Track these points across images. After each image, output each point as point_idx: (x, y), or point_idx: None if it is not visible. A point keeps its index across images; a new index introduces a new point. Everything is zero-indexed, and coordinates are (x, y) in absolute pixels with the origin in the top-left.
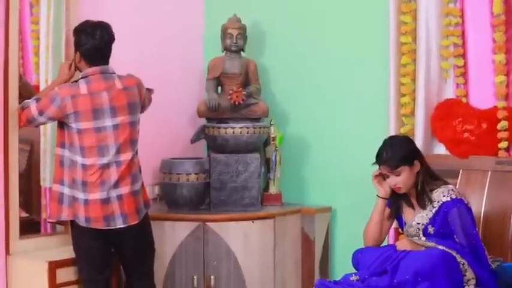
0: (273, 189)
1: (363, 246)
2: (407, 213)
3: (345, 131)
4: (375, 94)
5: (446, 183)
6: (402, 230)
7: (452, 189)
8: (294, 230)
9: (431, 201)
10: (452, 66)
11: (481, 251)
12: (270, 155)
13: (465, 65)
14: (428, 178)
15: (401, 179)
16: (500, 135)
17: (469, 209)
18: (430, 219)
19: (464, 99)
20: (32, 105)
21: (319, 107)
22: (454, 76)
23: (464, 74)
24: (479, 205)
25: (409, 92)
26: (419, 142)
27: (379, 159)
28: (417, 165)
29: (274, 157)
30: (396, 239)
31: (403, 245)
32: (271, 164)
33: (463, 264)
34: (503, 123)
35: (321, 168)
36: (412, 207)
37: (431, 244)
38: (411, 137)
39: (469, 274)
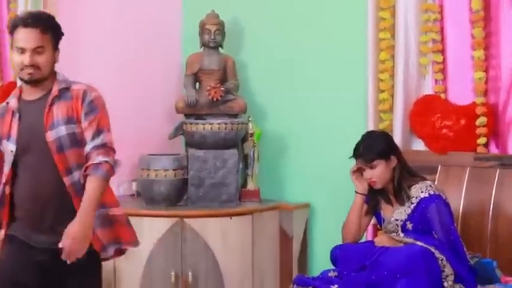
0: (251, 186)
1: (341, 243)
2: (385, 210)
3: (324, 127)
4: (353, 90)
5: (424, 179)
6: (381, 226)
7: (430, 185)
8: (272, 227)
9: (409, 198)
10: (431, 62)
11: (460, 247)
12: (248, 151)
13: (444, 61)
14: (405, 174)
15: (377, 173)
16: (478, 131)
17: (447, 205)
18: (408, 215)
19: (443, 95)
20: None
21: (297, 103)
22: (432, 72)
23: (443, 70)
24: (458, 201)
25: (388, 88)
26: (397, 138)
27: (356, 152)
28: (394, 161)
29: (252, 153)
30: (375, 235)
31: (381, 241)
32: (249, 160)
33: (442, 260)
34: (482, 119)
35: (299, 165)
36: (391, 203)
37: (410, 240)
38: (389, 133)
39: (448, 270)
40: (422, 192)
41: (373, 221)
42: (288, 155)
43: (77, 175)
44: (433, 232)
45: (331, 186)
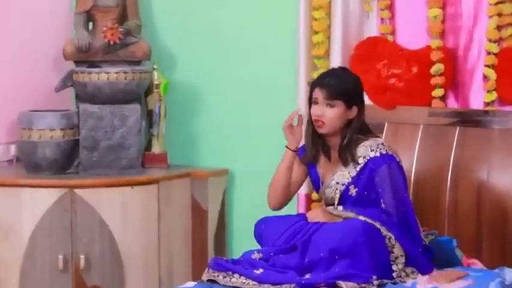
0: (156, 148)
1: (267, 215)
2: (325, 169)
3: (245, 78)
4: (281, 32)
5: (376, 137)
6: (317, 191)
7: (382, 144)
8: (182, 198)
9: (354, 159)
10: None
11: (412, 221)
12: (152, 107)
13: None
14: (356, 134)
15: (330, 114)
16: (434, 81)
17: (401, 169)
18: (353, 178)
19: (390, 38)
20: None
21: (213, 49)
22: (378, 9)
23: (391, 7)
24: (409, 166)
25: (324, 28)
26: None
27: (323, 80)
28: (353, 112)
29: (158, 109)
30: (308, 207)
31: (315, 216)
32: (155, 118)
33: (390, 238)
34: (438, 67)
35: (215, 123)
36: (329, 159)
37: (351, 214)
38: None
39: (397, 251)
40: (372, 151)
41: (307, 190)
42: (201, 111)
43: None
44: (381, 201)
45: (253, 149)
